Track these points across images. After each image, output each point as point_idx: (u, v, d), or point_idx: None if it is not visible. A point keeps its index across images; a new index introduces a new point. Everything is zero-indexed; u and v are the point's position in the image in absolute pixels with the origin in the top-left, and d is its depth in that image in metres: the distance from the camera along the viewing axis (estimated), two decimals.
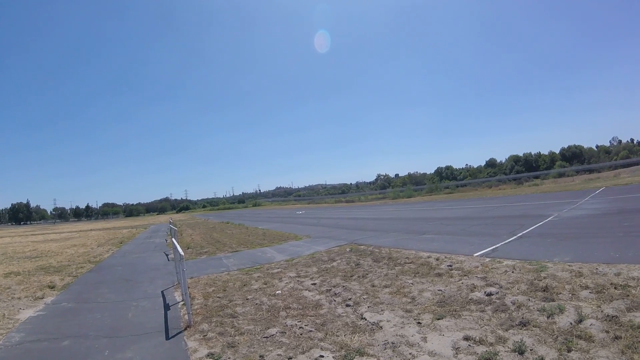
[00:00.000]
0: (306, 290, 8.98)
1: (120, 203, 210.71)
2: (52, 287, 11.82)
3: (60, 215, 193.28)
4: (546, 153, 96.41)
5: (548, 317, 5.58)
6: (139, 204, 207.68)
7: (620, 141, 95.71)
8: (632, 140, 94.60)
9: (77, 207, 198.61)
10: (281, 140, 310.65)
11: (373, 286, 8.68)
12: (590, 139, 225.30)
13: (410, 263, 10.67)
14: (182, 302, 8.75)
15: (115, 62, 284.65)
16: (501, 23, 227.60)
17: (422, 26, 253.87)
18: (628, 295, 6.03)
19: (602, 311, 5.54)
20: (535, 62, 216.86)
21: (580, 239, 11.38)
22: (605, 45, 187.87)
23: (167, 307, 8.72)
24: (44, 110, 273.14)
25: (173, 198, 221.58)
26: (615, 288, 6.45)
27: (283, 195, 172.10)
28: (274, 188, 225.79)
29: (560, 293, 6.58)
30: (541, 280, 7.40)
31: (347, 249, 14.29)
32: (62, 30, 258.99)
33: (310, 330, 6.22)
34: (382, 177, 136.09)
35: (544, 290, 6.79)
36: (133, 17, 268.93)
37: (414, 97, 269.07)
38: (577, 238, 11.54)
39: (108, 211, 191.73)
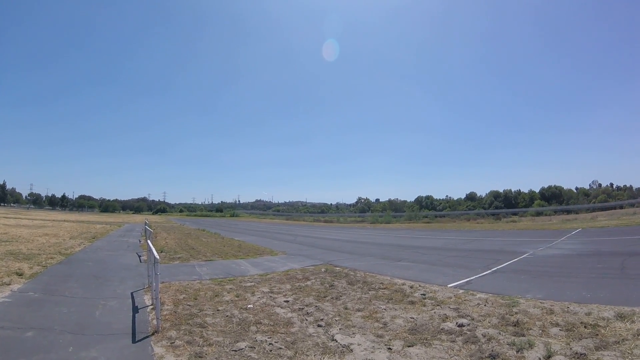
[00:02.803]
0: (278, 307, 8.87)
1: (96, 197, 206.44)
2: (20, 275, 11.55)
3: (35, 201, 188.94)
4: (526, 191, 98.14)
5: (517, 352, 5.59)
6: (116, 200, 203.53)
7: (600, 185, 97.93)
8: (611, 184, 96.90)
9: (53, 196, 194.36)
10: (265, 153, 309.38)
11: (346, 308, 8.62)
12: (570, 180, 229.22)
13: (385, 289, 10.65)
14: (151, 306, 8.56)
15: (107, 53, 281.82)
16: (494, 63, 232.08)
17: (419, 57, 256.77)
18: (597, 335, 6.08)
19: (570, 348, 5.58)
20: (523, 101, 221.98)
21: (554, 277, 11.52)
22: (592, 91, 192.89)
23: (135, 309, 8.54)
24: (30, 92, 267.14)
25: (151, 199, 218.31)
26: (585, 327, 6.50)
27: (262, 208, 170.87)
28: (254, 200, 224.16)
29: (530, 329, 6.61)
30: (512, 315, 7.44)
31: (323, 269, 14.22)
32: (56, 13, 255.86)
33: (280, 348, 6.14)
34: (362, 200, 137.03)
35: (515, 325, 6.82)
36: (132, 7, 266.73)
37: (400, 122, 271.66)
38: (551, 276, 11.67)
39: (84, 204, 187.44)
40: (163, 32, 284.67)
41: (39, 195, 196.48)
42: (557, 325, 6.73)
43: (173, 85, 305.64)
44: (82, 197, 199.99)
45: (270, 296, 9.95)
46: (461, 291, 10.07)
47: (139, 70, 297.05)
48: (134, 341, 6.44)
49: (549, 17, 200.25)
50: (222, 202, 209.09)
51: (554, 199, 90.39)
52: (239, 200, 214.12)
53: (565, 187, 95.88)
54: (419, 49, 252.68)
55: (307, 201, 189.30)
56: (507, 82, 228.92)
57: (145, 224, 29.34)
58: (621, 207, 59.47)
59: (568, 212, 63.70)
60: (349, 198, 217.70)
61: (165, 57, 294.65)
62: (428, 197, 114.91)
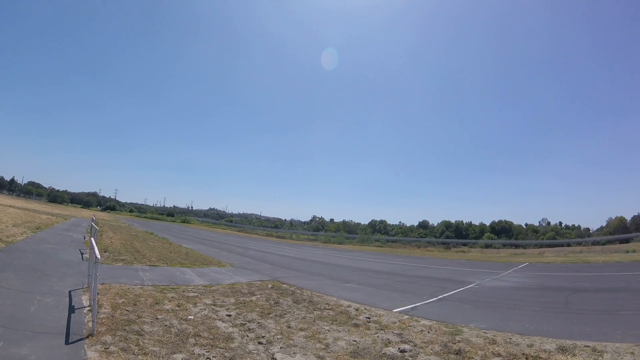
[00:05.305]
0: (220, 320, 8.60)
1: (46, 185, 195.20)
2: None
3: None
4: (477, 224, 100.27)
5: None
6: (65, 191, 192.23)
7: (549, 223, 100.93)
8: (560, 223, 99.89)
9: (2, 178, 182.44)
10: (224, 162, 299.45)
11: (289, 327, 8.44)
12: (520, 217, 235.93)
13: (330, 309, 10.54)
14: (88, 308, 8.28)
15: (87, 45, 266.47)
16: (456, 106, 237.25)
17: (393, 89, 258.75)
18: None
19: None
20: (480, 144, 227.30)
21: (498, 308, 11.69)
22: (548, 138, 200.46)
23: (72, 309, 8.21)
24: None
25: (101, 194, 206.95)
26: (526, 358, 6.58)
27: (215, 217, 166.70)
28: (207, 208, 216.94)
29: (472, 358, 6.61)
30: (455, 344, 7.42)
31: (269, 285, 13.97)
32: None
33: None
34: (317, 219, 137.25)
35: (457, 353, 6.80)
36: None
37: (362, 148, 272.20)
38: (495, 307, 11.84)
39: (32, 191, 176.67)
40: (149, 31, 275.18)
41: None
42: (498, 355, 6.76)
43: (141, 85, 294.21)
44: (31, 183, 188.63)
45: (213, 309, 9.66)
46: (406, 317, 10.06)
47: (120, 68, 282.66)
48: (67, 342, 6.21)
49: (508, 70, 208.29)
50: (174, 206, 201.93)
51: (503, 233, 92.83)
52: (192, 207, 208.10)
53: (515, 223, 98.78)
54: (385, 82, 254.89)
55: (262, 214, 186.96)
56: (467, 123, 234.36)
57: (92, 220, 28.43)
58: (568, 245, 61.52)
59: (516, 246, 65.46)
60: (304, 215, 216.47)
61: (148, 60, 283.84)
62: (382, 222, 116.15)
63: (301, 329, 8.32)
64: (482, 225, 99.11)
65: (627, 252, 39.48)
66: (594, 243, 61.03)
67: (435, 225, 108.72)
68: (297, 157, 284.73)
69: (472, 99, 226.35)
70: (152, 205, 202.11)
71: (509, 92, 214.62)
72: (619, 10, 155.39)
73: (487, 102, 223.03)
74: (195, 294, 11.29)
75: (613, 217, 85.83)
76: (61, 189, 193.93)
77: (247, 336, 7.56)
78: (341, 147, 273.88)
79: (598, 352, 6.95)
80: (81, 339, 6.39)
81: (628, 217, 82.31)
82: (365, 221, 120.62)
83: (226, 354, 6.38)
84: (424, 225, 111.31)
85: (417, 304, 11.98)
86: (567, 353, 6.85)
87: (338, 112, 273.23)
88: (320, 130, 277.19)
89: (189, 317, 8.61)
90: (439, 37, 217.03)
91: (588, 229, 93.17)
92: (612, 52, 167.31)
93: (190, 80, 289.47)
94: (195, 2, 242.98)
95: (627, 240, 57.43)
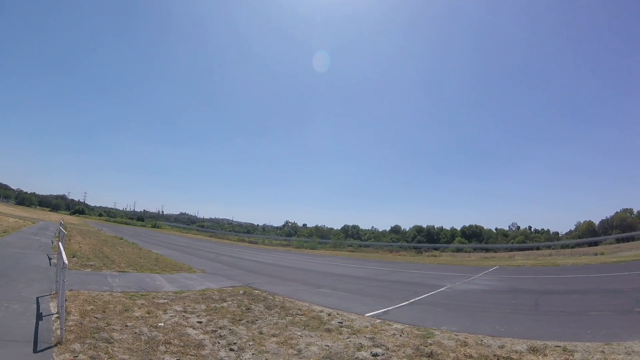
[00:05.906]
0: (191, 327, 8.46)
1: (14, 187, 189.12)
2: None
3: None
4: (448, 228, 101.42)
5: None
6: (34, 194, 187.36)
7: (518, 227, 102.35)
8: (529, 227, 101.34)
9: None
10: (196, 166, 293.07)
11: (261, 333, 8.36)
12: (490, 221, 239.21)
13: (302, 315, 10.49)
14: (56, 315, 8.10)
15: (54, 38, 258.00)
16: (429, 113, 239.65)
17: (366, 95, 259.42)
18: None
19: None
20: (454, 148, 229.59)
21: (469, 311, 11.80)
22: (519, 143, 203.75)
23: (40, 316, 8.06)
24: None
25: (70, 197, 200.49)
26: (498, 359, 6.62)
27: (186, 222, 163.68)
28: (178, 213, 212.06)
29: None
30: (427, 346, 7.45)
31: (241, 291, 13.83)
32: None
33: None
34: (290, 224, 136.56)
35: (429, 356, 6.83)
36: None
37: (334, 152, 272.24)
38: (466, 310, 11.96)
39: None
40: (128, 29, 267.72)
41: None
42: (470, 357, 6.81)
43: (123, 87, 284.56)
44: None
45: (184, 315, 9.51)
46: (378, 321, 10.08)
47: (90, 67, 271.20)
48: (35, 350, 6.10)
49: (485, 78, 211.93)
50: (144, 210, 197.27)
51: (474, 237, 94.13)
52: (163, 211, 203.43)
53: (485, 227, 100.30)
54: (359, 89, 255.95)
55: (234, 219, 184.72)
56: (443, 129, 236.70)
57: (61, 224, 27.80)
58: (538, 249, 62.70)
59: (487, 250, 66.53)
60: (277, 220, 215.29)
61: (120, 59, 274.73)
62: (355, 227, 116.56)
63: (273, 335, 8.25)
64: (453, 229, 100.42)
65: (596, 254, 40.30)
66: (563, 246, 62.48)
67: (407, 230, 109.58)
68: (269, 161, 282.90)
69: (446, 106, 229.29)
70: (122, 209, 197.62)
71: (482, 98, 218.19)
72: (592, 21, 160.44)
73: (461, 108, 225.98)
74: (166, 301, 11.11)
75: (581, 221, 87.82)
76: (29, 191, 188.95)
77: (219, 343, 7.47)
78: (314, 151, 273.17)
79: (569, 351, 7.05)
80: (50, 347, 6.29)
81: (596, 221, 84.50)
82: (338, 226, 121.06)
83: None
84: (396, 230, 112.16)
85: (389, 308, 12.04)
86: (538, 353, 6.95)
87: (311, 117, 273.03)
88: (293, 134, 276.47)
89: (159, 324, 8.47)
90: (419, 45, 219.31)
91: (557, 233, 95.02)
92: (584, 61, 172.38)
93: (163, 81, 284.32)
94: (170, 3, 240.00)
95: (595, 244, 59.13)
